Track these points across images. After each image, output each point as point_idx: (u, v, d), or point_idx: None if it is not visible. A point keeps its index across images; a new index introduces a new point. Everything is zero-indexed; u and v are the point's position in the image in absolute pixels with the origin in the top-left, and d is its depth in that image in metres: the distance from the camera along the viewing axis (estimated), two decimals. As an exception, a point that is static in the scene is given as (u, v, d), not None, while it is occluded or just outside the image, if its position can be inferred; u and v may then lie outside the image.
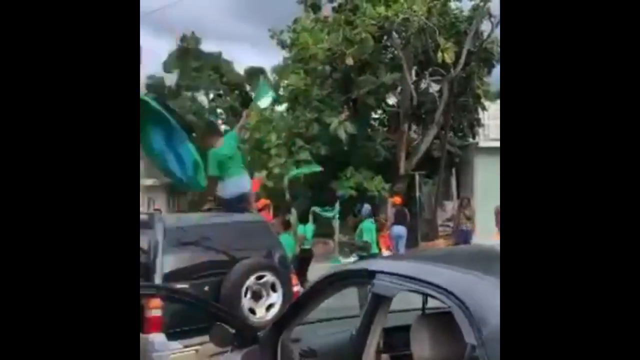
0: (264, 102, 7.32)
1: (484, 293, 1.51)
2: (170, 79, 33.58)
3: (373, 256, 7.75)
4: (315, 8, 18.30)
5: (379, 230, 9.21)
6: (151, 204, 19.90)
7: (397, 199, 13.25)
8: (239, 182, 5.99)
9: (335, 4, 17.99)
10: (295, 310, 2.68)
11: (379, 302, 2.11)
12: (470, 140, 17.69)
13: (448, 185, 16.91)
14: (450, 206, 16.70)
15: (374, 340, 2.09)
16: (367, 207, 8.35)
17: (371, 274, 2.15)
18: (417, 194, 15.80)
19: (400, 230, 12.09)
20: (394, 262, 2.52)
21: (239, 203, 5.94)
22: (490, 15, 15.59)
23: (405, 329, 2.07)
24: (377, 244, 8.06)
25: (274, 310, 4.90)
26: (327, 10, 17.49)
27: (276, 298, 4.98)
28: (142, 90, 26.85)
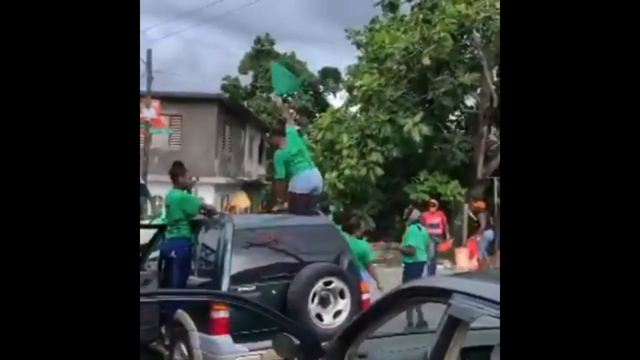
0: (283, 87, 6.99)
1: None
2: (245, 80, 34.45)
3: (420, 262, 7.60)
4: (393, 7, 18.01)
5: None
6: (225, 199, 20.39)
7: (481, 204, 12.93)
8: (310, 177, 5.87)
9: (413, 3, 17.61)
10: (363, 323, 2.52)
11: (457, 323, 1.92)
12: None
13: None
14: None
15: (451, 362, 1.90)
16: (416, 212, 8.15)
17: (449, 293, 1.95)
18: (496, 199, 15.10)
19: (491, 234, 11.95)
20: (474, 282, 2.30)
21: (312, 197, 5.86)
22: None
23: (487, 349, 1.88)
24: (426, 249, 7.83)
25: (342, 318, 4.75)
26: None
27: (344, 305, 4.82)
28: (219, 90, 27.69)
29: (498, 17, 13.72)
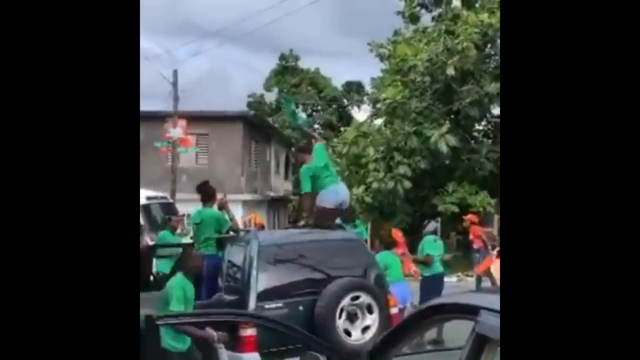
0: (299, 119, 7.29)
1: None
2: (270, 97, 34.79)
3: (438, 274, 7.38)
4: (414, 19, 18.00)
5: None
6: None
7: (473, 218, 11.98)
8: (337, 191, 5.84)
9: (435, 14, 17.58)
10: (391, 341, 2.47)
11: (485, 341, 1.86)
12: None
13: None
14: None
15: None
16: (432, 224, 8.07)
17: (476, 310, 1.90)
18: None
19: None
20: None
21: (339, 211, 5.83)
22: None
23: None
24: (442, 261, 7.67)
25: (370, 333, 4.66)
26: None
27: (372, 320, 4.74)
28: (244, 108, 28.03)
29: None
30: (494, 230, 14.66)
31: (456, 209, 14.58)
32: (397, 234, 7.93)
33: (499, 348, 1.94)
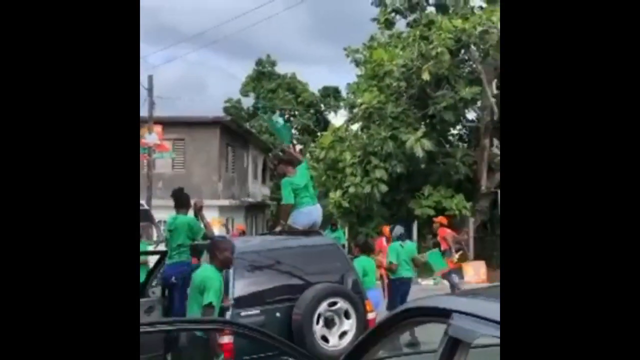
0: (287, 136, 7.42)
1: None
2: (248, 102, 34.67)
3: (404, 278, 7.53)
4: (389, 25, 18.16)
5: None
6: (230, 221, 20.36)
7: (442, 220, 12.19)
8: (311, 213, 5.91)
9: (409, 20, 17.76)
10: (366, 345, 2.49)
11: (457, 343, 1.89)
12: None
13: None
14: (537, 225, 15.77)
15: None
16: (398, 229, 8.15)
17: (448, 313, 1.93)
18: (500, 212, 15.02)
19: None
20: (475, 301, 2.27)
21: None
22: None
23: None
24: (411, 266, 7.77)
25: (348, 338, 4.68)
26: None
27: (350, 325, 4.76)
28: (221, 113, 27.87)
29: (495, 30, 13.80)
30: (470, 232, 14.86)
31: (432, 212, 14.71)
32: (385, 231, 8.06)
33: (469, 350, 1.98)
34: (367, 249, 7.11)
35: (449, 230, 10.84)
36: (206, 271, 4.32)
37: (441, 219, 11.32)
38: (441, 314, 2.01)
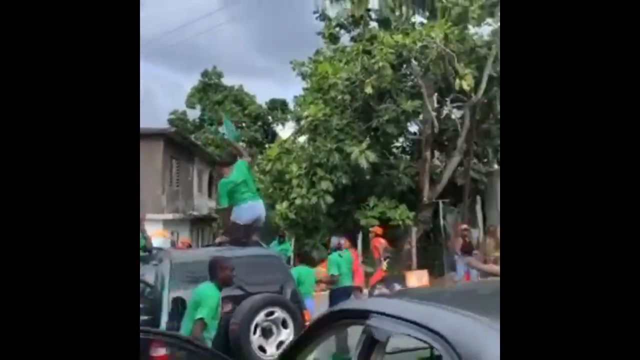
0: (234, 135, 7.82)
1: (479, 339, 1.37)
2: (193, 114, 34.18)
3: (345, 287, 7.63)
4: (334, 39, 18.46)
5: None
6: (175, 235, 19.94)
7: (378, 230, 12.00)
8: (253, 207, 5.86)
9: (354, 34, 18.11)
10: (297, 348, 2.54)
11: (373, 343, 1.97)
12: (496, 166, 17.34)
13: (473, 213, 16.54)
14: (476, 234, 16.28)
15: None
16: (334, 240, 8.29)
17: (366, 315, 2.00)
18: (442, 222, 15.45)
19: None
20: (393, 302, 2.36)
21: (254, 228, 5.85)
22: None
23: None
24: (352, 275, 7.90)
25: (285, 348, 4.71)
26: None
27: (287, 335, 4.79)
28: (165, 125, 27.39)
29: (434, 45, 14.29)
30: (413, 241, 15.19)
31: (377, 223, 14.96)
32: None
33: (385, 349, 2.05)
34: (306, 260, 7.18)
35: (382, 240, 11.12)
36: (205, 289, 4.34)
37: (376, 229, 11.63)
38: (362, 316, 2.08)
